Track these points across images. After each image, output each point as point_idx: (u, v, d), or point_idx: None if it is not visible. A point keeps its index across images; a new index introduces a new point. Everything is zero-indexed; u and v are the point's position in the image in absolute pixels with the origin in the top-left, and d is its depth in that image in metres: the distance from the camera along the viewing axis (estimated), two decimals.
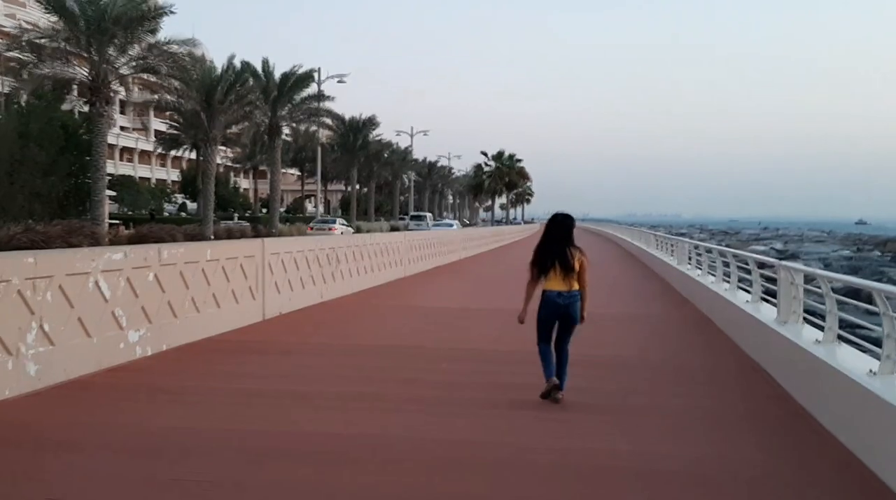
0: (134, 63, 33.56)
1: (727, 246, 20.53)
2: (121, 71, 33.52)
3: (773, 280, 11.46)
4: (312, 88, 50.41)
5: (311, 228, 49.21)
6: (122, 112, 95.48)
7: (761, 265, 12.05)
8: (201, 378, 8.67)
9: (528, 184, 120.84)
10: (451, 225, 64.40)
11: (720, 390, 8.60)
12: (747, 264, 12.68)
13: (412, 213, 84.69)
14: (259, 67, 46.68)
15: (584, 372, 9.17)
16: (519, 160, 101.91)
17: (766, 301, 11.51)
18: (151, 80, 36.24)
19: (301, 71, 48.70)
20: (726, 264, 14.74)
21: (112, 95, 34.74)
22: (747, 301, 11.77)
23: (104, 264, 8.90)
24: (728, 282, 14.00)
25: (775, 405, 7.84)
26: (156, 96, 37.35)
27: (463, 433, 6.65)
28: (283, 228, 49.22)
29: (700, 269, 17.96)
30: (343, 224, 53.59)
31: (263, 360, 9.77)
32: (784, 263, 9.61)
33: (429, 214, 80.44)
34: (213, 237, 39.32)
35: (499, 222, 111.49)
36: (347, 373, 9.01)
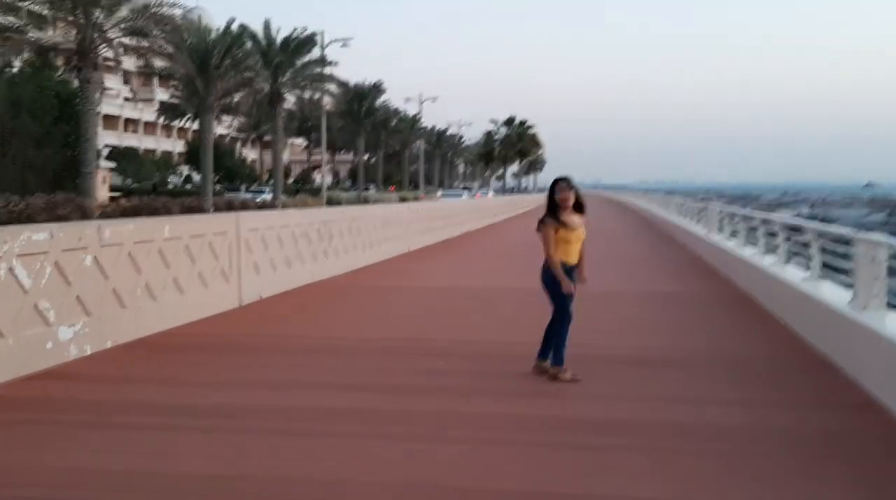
0: (123, 26, 31.62)
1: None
2: (109, 34, 31.63)
3: (823, 251, 9.72)
4: (315, 53, 48.41)
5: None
6: (126, 82, 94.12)
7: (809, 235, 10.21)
8: (138, 388, 6.94)
9: (541, 151, 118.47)
10: (459, 195, 63.00)
11: (788, 396, 6.81)
12: (797, 233, 10.90)
13: (462, 185, 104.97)
14: (259, 31, 44.74)
15: (606, 371, 7.48)
16: (530, 127, 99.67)
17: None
18: (144, 45, 34.20)
19: (303, 35, 46.70)
20: (771, 234, 12.93)
21: (101, 61, 32.89)
22: (804, 279, 9.95)
23: (21, 246, 7.18)
24: (775, 255, 12.21)
25: (870, 419, 6.07)
26: (143, 61, 35.19)
27: (455, 473, 4.92)
28: (287, 200, 47.52)
29: (734, 238, 16.13)
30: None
31: (225, 361, 8.05)
32: (864, 234, 7.79)
33: (467, 188, 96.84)
34: (212, 210, 37.71)
35: (511, 191, 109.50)
36: (323, 378, 7.28)
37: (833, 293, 8.91)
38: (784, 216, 13.47)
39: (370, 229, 17.22)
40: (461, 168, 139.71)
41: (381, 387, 6.94)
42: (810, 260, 9.88)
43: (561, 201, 7.14)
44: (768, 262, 12.28)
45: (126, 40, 33.34)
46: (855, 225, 43.77)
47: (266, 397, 6.60)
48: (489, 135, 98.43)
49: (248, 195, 57.26)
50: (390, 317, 10.82)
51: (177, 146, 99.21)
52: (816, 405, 6.50)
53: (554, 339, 7.21)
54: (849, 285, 8.63)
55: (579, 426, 5.90)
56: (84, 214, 29.29)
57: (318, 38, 47.94)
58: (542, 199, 7.31)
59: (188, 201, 39.96)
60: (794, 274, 10.76)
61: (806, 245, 10.46)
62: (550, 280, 7.15)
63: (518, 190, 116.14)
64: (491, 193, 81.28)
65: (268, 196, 55.88)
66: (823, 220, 44.70)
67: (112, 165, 62.43)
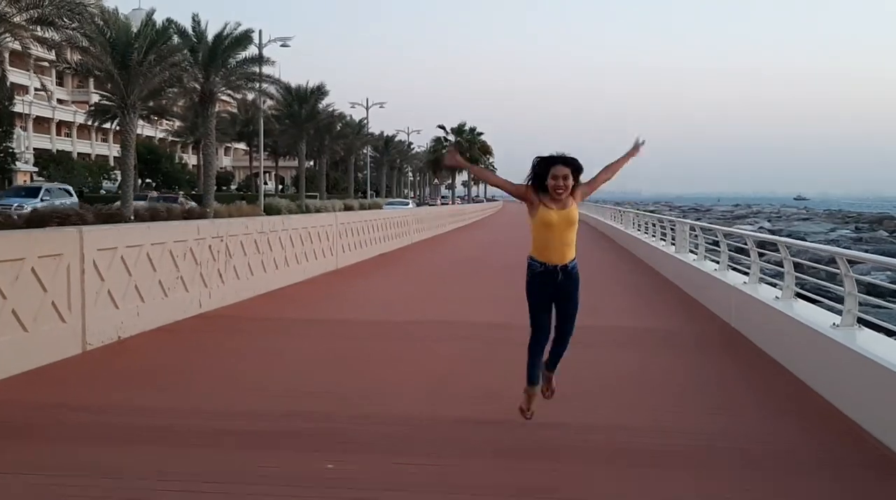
0: (26, 15, 28.36)
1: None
2: (14, 20, 28.34)
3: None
4: (252, 52, 45.34)
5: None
6: (59, 84, 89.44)
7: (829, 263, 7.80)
8: None
9: (491, 160, 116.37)
10: (405, 204, 60.49)
11: None
12: (807, 260, 8.51)
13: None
14: (188, 25, 41.53)
15: (582, 478, 4.92)
16: (480, 133, 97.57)
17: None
18: (53, 37, 30.85)
19: (238, 31, 43.57)
20: (765, 258, 10.56)
21: (8, 55, 29.55)
22: (835, 324, 7.47)
23: None
24: (780, 287, 9.80)
25: None
26: (54, 55, 31.88)
27: None
28: (220, 208, 44.30)
29: (715, 260, 13.75)
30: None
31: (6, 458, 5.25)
32: None
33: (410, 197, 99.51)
34: (132, 218, 34.49)
35: (462, 199, 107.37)
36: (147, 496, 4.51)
37: (883, 348, 6.47)
38: (798, 241, 11.07)
39: (285, 245, 14.45)
40: (410, 176, 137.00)
41: None
42: (844, 300, 7.41)
43: (553, 190, 5.57)
44: (767, 294, 9.85)
45: (37, 32, 30.14)
46: (826, 241, 42.05)
47: None
48: (439, 141, 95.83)
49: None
50: (278, 373, 7.92)
51: (112, 151, 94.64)
52: None
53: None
54: None
55: None
56: None
57: (254, 35, 44.92)
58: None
59: (107, 209, 36.65)
60: (811, 314, 8.32)
61: (805, 272, 8.06)
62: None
63: (469, 199, 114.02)
64: (459, 201, 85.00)
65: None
66: (791, 236, 42.95)
67: (34, 169, 58.47)
